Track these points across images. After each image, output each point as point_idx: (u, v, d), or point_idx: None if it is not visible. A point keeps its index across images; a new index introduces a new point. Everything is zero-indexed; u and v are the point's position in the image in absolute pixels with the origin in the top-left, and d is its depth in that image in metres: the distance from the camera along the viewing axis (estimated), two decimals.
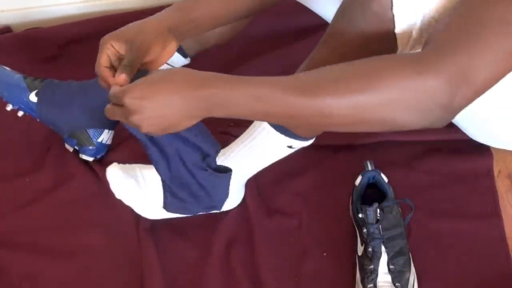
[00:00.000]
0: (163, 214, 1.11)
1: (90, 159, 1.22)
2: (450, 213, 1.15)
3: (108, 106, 0.80)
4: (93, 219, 1.18)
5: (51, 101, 1.17)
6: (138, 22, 0.90)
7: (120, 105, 0.78)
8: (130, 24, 0.90)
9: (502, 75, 0.75)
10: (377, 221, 1.05)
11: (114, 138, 1.24)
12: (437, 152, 1.22)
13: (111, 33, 0.88)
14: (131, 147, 1.24)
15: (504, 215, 1.15)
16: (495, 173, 1.20)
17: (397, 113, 0.72)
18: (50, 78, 1.20)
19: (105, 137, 1.21)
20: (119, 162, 1.09)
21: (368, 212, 1.05)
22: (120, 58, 0.88)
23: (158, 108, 0.76)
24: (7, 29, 1.50)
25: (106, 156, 1.24)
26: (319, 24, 1.37)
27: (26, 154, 1.27)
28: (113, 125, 1.21)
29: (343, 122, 0.75)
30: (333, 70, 0.75)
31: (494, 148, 1.21)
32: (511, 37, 0.72)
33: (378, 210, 1.05)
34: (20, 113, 1.20)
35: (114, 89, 0.79)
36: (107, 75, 0.87)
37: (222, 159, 1.06)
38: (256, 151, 1.04)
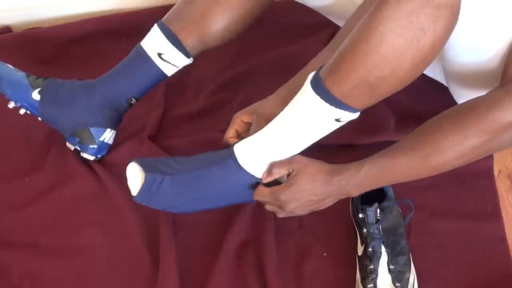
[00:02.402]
0: None
1: (91, 158, 1.22)
2: (450, 213, 1.15)
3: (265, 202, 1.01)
4: (93, 219, 1.17)
5: (54, 99, 1.17)
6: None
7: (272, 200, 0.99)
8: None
9: None
10: (377, 221, 1.05)
11: (114, 139, 1.24)
12: None
13: (241, 110, 1.07)
14: (131, 147, 1.24)
15: (504, 215, 1.15)
16: (495, 173, 1.20)
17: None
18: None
19: (107, 136, 1.21)
20: (118, 162, 1.08)
21: (368, 212, 1.05)
22: (247, 130, 1.06)
23: (305, 196, 0.97)
24: (7, 29, 1.50)
25: (106, 156, 1.24)
26: (319, 23, 1.38)
27: (26, 154, 1.27)
28: (115, 124, 1.21)
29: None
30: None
31: None
32: None
33: (378, 210, 1.05)
34: (22, 111, 1.20)
35: (266, 191, 0.99)
36: (232, 142, 1.05)
37: (254, 143, 0.98)
38: (299, 128, 0.94)
